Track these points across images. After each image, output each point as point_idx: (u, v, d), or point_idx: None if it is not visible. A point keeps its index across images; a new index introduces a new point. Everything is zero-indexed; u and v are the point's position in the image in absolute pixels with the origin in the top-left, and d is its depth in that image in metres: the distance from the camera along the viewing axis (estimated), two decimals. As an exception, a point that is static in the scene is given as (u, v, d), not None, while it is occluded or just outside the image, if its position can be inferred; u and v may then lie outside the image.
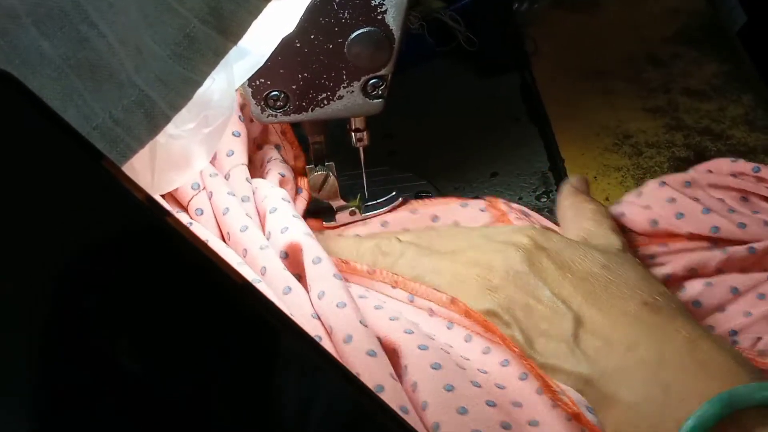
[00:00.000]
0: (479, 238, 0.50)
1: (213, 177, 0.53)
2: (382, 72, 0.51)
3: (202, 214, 0.52)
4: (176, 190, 0.52)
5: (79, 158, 0.30)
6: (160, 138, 0.39)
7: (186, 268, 0.30)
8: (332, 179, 0.56)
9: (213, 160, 0.54)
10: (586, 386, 0.43)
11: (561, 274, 0.46)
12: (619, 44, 0.70)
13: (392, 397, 0.41)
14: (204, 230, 0.51)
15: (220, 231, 0.52)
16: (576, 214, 0.53)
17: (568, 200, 0.54)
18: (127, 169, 0.35)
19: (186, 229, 0.31)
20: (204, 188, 0.53)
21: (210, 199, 0.52)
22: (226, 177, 0.54)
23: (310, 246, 0.48)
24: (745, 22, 0.70)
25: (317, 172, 0.56)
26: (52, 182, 0.29)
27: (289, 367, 0.29)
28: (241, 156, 0.55)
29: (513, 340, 0.45)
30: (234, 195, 0.52)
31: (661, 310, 0.44)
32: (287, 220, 0.50)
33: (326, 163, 0.56)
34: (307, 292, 0.47)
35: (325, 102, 0.52)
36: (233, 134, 0.55)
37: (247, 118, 0.57)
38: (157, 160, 0.39)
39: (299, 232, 0.49)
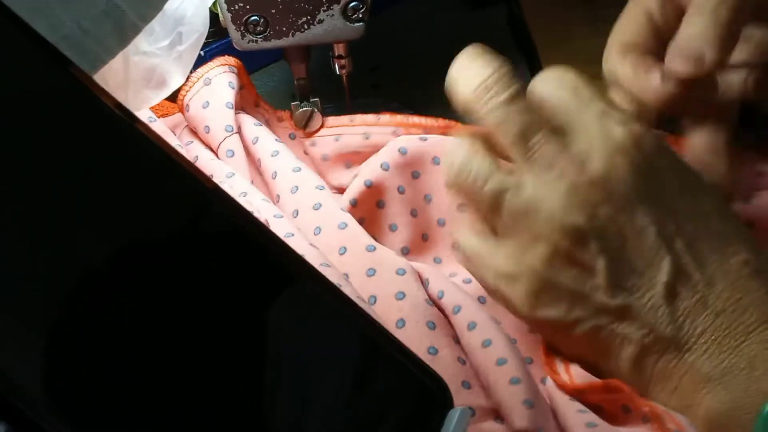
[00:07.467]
0: (594, 119, 0.39)
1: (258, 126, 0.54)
2: (362, -6, 0.50)
3: (233, 155, 0.52)
4: (208, 131, 0.53)
5: (47, 65, 0.30)
6: (134, 56, 0.39)
7: (155, 171, 0.30)
8: (317, 115, 0.56)
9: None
10: (662, 348, 0.37)
11: (669, 205, 0.38)
12: (606, -28, 0.69)
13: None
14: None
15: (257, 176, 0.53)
16: None
17: None
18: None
19: (155, 135, 0.31)
20: (237, 132, 0.53)
21: (254, 144, 0.53)
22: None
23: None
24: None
25: (302, 108, 0.56)
26: (19, 89, 0.29)
27: (255, 266, 0.29)
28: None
29: (597, 273, 0.38)
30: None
31: (762, 274, 0.38)
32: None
33: (311, 100, 0.56)
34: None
35: (306, 27, 0.51)
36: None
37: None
38: (131, 77, 0.39)
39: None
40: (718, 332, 0.37)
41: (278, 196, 0.50)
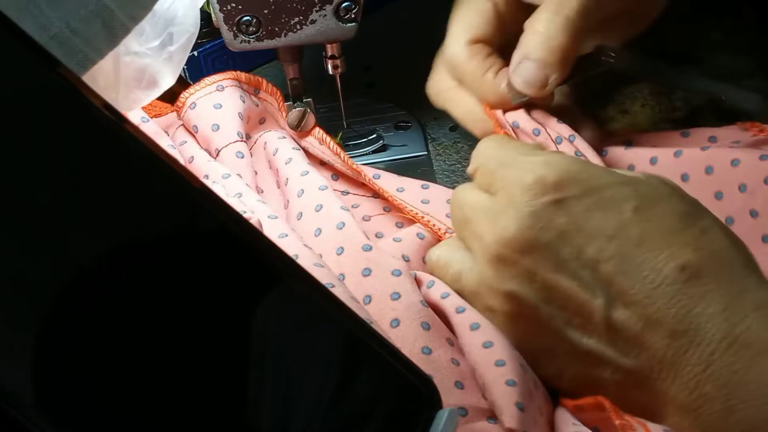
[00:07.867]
0: (504, 176, 0.40)
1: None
2: (355, -6, 0.50)
3: (243, 157, 0.53)
4: (217, 129, 0.53)
5: (35, 65, 0.29)
6: (125, 56, 0.39)
7: (144, 171, 0.30)
8: (310, 115, 0.56)
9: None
10: (637, 381, 0.35)
11: (585, 233, 0.36)
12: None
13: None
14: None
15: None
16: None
17: None
18: (90, 85, 0.35)
19: (143, 135, 0.31)
20: (244, 140, 0.54)
21: (274, 155, 0.54)
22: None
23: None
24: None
25: (295, 108, 0.56)
26: (7, 88, 0.29)
27: (235, 262, 0.29)
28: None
29: (548, 327, 0.38)
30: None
31: (701, 274, 0.34)
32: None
33: (304, 100, 0.56)
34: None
35: (298, 27, 0.51)
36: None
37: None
38: (122, 78, 0.38)
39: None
40: (678, 356, 0.34)
41: (288, 201, 0.51)
